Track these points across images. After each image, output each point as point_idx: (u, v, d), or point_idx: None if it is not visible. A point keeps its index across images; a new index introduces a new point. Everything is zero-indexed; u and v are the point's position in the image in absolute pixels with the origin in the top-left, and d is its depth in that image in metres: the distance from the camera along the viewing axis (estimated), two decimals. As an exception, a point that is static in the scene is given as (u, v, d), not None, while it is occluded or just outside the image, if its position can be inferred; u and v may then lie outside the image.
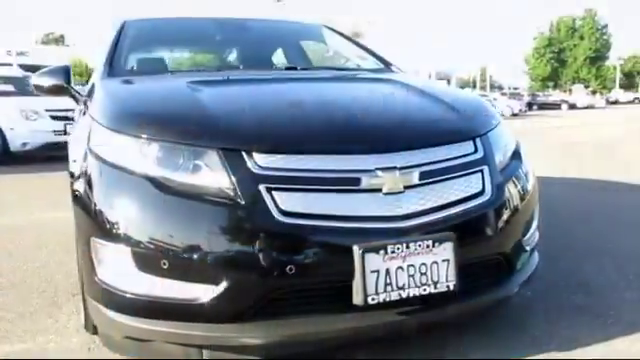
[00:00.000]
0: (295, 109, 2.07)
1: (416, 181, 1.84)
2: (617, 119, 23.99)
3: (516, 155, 2.27)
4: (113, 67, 2.68)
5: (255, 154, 1.75)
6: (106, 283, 1.81)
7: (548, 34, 68.92)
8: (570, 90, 64.73)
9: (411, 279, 1.74)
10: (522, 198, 2.11)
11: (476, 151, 2.03)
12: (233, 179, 1.72)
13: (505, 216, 1.99)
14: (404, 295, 1.73)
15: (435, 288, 1.77)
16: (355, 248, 1.68)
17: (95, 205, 1.83)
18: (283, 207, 1.70)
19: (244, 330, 1.70)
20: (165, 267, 1.69)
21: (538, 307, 2.44)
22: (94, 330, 2.13)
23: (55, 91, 2.93)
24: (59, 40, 65.52)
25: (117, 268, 1.78)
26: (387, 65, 3.26)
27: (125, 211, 1.77)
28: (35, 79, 2.96)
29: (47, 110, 9.69)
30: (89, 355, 2.15)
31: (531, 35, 71.09)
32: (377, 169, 1.80)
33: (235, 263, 1.67)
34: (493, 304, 2.09)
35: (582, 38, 67.06)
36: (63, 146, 9.67)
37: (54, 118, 9.69)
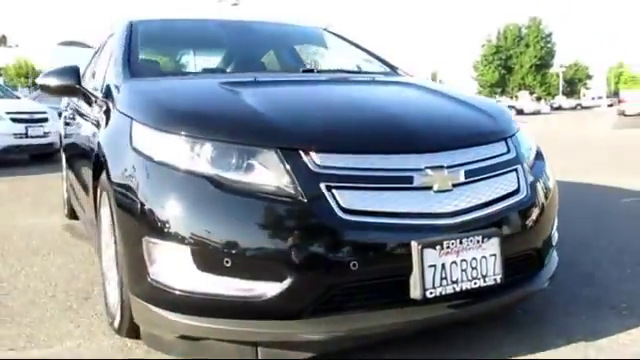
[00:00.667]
0: (343, 111, 2.12)
1: (462, 179, 1.91)
2: (567, 124, 24.96)
3: (539, 156, 2.38)
4: (133, 68, 2.65)
5: (313, 154, 1.79)
6: (160, 282, 1.80)
7: (495, 42, 71.02)
8: (516, 96, 66.96)
9: (463, 273, 1.81)
10: (547, 196, 2.22)
11: (509, 151, 2.13)
12: (294, 178, 1.75)
13: (537, 213, 2.09)
14: (457, 289, 1.80)
15: (484, 282, 1.85)
16: (414, 244, 1.74)
17: (147, 205, 1.82)
18: (344, 205, 1.74)
19: (306, 326, 1.72)
20: (228, 265, 1.70)
21: (556, 300, 2.54)
22: (130, 332, 2.11)
23: (65, 92, 2.89)
24: (1, 41, 63.14)
25: (174, 267, 1.77)
26: (393, 69, 3.34)
27: (184, 210, 1.76)
28: (43, 80, 2.90)
29: (7, 113, 9.37)
30: (125, 356, 2.13)
31: (480, 42, 73.15)
32: (427, 168, 1.87)
33: (299, 260, 1.70)
34: (527, 297, 2.19)
35: (528, 46, 69.43)
36: (24, 149, 9.47)
37: (15, 121, 9.37)
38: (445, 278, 1.78)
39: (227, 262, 1.70)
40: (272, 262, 1.71)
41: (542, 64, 69.76)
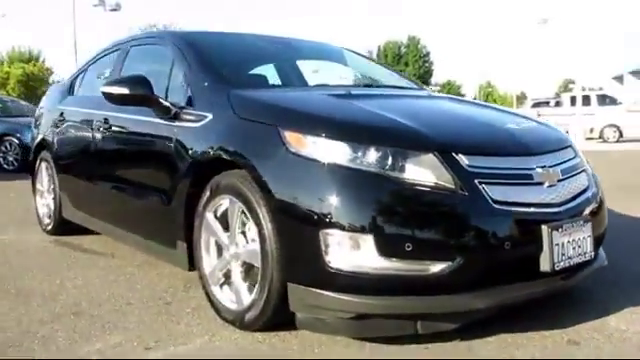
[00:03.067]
0: (464, 121, 2.55)
1: (561, 176, 2.37)
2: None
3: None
4: (227, 80, 2.82)
5: (462, 156, 2.15)
6: (338, 268, 2.05)
7: (377, 59, 74.52)
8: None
9: (573, 250, 2.25)
10: (599, 192, 2.72)
11: (576, 155, 2.63)
12: (453, 175, 2.09)
13: (601, 204, 2.60)
14: (571, 263, 2.24)
15: (584, 257, 2.31)
16: (544, 227, 2.15)
17: (325, 201, 2.06)
18: (493, 196, 2.11)
19: (471, 298, 2.07)
20: (409, 249, 2.00)
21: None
22: (267, 323, 2.31)
23: (139, 101, 2.95)
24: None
25: (354, 254, 2.03)
26: (418, 84, 3.78)
27: (364, 205, 2.05)
28: (111, 88, 2.96)
29: None
30: (274, 342, 2.31)
31: (362, 59, 76.14)
32: (537, 167, 2.30)
33: (466, 242, 2.05)
34: (597, 271, 2.67)
35: (407, 64, 73.59)
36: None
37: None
38: (564, 254, 2.21)
39: (408, 247, 2.00)
40: (444, 244, 2.04)
41: (421, 82, 74.14)
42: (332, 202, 2.06)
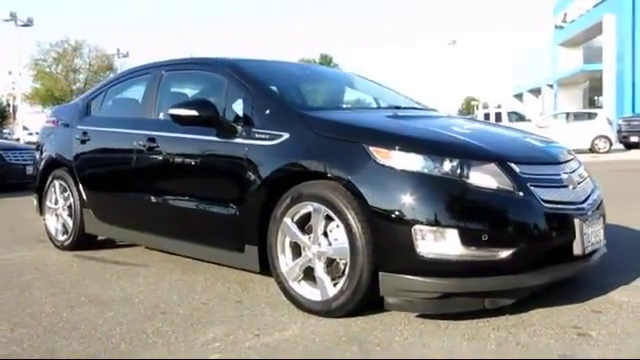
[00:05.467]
0: (504, 137, 3.12)
1: (579, 180, 3.00)
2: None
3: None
4: (292, 103, 3.26)
5: (514, 164, 2.71)
6: (429, 257, 2.54)
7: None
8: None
9: (594, 238, 2.88)
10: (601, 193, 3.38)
11: (580, 164, 3.28)
12: (511, 180, 2.65)
13: (602, 203, 3.25)
14: (593, 248, 2.86)
15: (599, 244, 2.95)
16: (576, 220, 2.76)
17: (417, 203, 2.56)
18: (541, 197, 2.69)
19: (531, 277, 2.62)
20: (484, 239, 2.53)
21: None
22: (355, 307, 2.75)
23: (205, 122, 3.31)
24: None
25: (441, 245, 2.53)
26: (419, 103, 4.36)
27: (451, 204, 2.57)
28: (181, 111, 3.30)
29: None
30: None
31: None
32: (563, 173, 2.91)
33: (526, 232, 2.62)
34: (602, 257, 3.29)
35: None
36: None
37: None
38: (589, 241, 2.82)
39: (484, 237, 2.53)
40: (510, 235, 2.58)
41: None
42: (421, 203, 2.56)
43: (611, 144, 19.32)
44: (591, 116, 20.98)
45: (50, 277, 3.83)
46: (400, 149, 2.68)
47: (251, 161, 3.16)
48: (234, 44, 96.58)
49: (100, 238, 4.69)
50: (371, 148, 2.72)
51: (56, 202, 4.74)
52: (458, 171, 2.62)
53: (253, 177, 3.14)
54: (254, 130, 3.20)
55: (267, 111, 3.23)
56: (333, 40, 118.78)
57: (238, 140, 3.25)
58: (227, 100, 3.51)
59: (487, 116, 25.09)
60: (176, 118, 3.35)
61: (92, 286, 3.59)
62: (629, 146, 19.81)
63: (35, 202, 5.06)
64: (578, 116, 21.69)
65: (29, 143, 18.26)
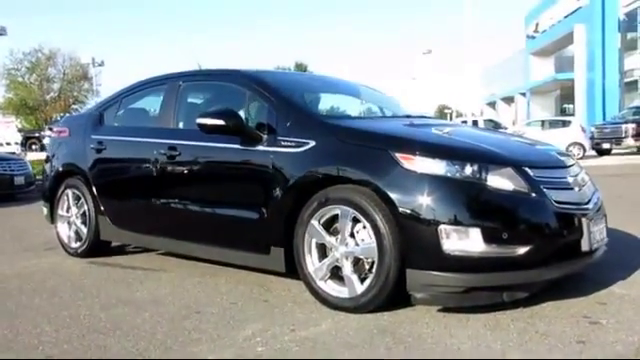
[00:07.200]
0: (514, 144, 3.35)
1: (582, 182, 3.26)
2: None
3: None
4: (319, 112, 3.48)
5: (528, 169, 2.95)
6: (452, 255, 2.76)
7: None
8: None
9: (599, 236, 3.14)
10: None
11: (582, 169, 3.54)
12: (526, 182, 2.88)
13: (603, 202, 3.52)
14: (597, 245, 3.12)
15: (602, 242, 3.21)
16: (584, 219, 3.01)
17: (442, 204, 2.78)
18: (553, 198, 2.93)
19: (546, 270, 2.86)
20: (505, 238, 2.76)
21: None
22: (378, 304, 2.95)
23: (230, 131, 3.49)
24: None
25: (465, 243, 2.75)
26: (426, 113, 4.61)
27: (471, 206, 2.79)
28: (208, 120, 3.48)
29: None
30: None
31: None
32: (569, 176, 3.17)
33: (541, 230, 2.86)
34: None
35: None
36: None
37: None
38: (595, 239, 3.08)
39: (505, 235, 2.76)
40: (528, 233, 2.82)
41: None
42: (445, 204, 2.79)
43: (585, 151, 19.90)
44: (565, 124, 21.57)
45: (74, 282, 3.95)
46: (424, 155, 2.90)
47: (277, 167, 3.35)
48: (215, 53, 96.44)
49: (112, 245, 4.82)
50: (397, 154, 2.93)
51: (68, 210, 4.84)
52: (478, 175, 2.85)
53: (279, 182, 3.32)
54: (279, 138, 3.39)
55: (291, 120, 3.42)
56: (307, 46, 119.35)
57: (263, 147, 3.43)
58: (249, 110, 3.70)
59: (464, 123, 25.66)
60: (202, 127, 3.52)
61: (118, 289, 3.72)
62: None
63: (45, 211, 5.14)
64: (553, 123, 22.27)
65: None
